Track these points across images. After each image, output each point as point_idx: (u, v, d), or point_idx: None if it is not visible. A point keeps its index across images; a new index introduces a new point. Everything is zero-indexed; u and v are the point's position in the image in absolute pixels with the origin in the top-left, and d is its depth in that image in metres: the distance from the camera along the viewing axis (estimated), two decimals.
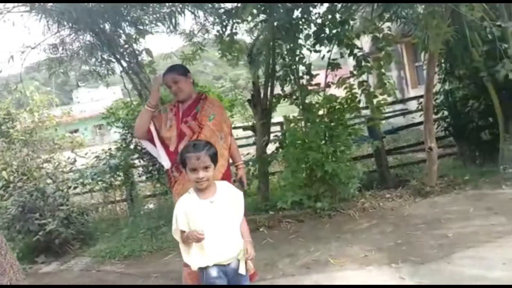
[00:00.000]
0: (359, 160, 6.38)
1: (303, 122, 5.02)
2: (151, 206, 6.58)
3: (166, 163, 3.03)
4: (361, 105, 5.26)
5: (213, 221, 2.12)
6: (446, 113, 6.13)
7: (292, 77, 4.95)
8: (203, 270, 2.16)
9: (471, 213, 4.02)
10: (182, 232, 2.16)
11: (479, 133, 5.92)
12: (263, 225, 4.60)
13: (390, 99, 5.27)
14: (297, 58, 4.88)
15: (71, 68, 5.35)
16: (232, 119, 6.59)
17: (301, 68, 5.05)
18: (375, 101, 5.02)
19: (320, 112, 5.00)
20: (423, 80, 10.86)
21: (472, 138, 5.90)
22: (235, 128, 6.31)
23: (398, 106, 9.42)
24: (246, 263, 2.16)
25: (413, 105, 7.94)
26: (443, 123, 6.21)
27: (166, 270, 3.93)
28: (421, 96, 6.55)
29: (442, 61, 5.65)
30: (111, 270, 4.18)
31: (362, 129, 5.36)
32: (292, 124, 5.01)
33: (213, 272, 2.13)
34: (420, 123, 6.65)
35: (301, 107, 4.98)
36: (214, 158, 2.20)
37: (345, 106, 5.01)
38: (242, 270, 2.13)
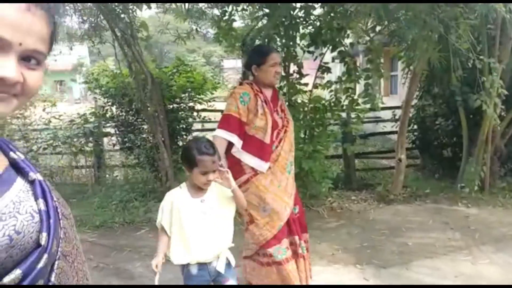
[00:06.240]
0: (328, 159, 6.63)
1: None
2: (115, 174, 6.50)
3: (264, 165, 2.57)
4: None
5: (200, 220, 2.11)
6: (415, 127, 6.52)
7: (283, 73, 5.03)
8: (183, 266, 2.18)
9: (429, 225, 4.38)
10: (162, 229, 2.13)
11: (442, 150, 6.36)
12: None
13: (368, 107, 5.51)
14: (289, 56, 4.99)
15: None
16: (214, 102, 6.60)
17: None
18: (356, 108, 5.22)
19: (305, 110, 5.15)
20: (395, 90, 11.30)
21: (435, 153, 6.35)
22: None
23: (370, 113, 9.73)
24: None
25: (384, 113, 8.28)
26: (411, 136, 6.59)
27: (138, 245, 4.01)
28: (396, 107, 6.91)
29: (423, 78, 5.95)
30: (83, 238, 4.18)
31: (340, 132, 5.58)
32: None
33: (194, 270, 2.15)
34: (390, 132, 7.03)
35: (287, 103, 5.10)
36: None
37: (328, 108, 5.20)
38: (220, 268, 2.15)
